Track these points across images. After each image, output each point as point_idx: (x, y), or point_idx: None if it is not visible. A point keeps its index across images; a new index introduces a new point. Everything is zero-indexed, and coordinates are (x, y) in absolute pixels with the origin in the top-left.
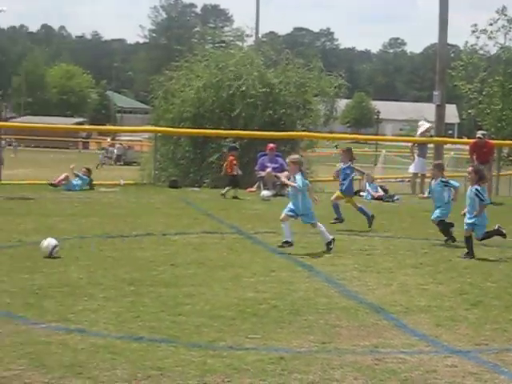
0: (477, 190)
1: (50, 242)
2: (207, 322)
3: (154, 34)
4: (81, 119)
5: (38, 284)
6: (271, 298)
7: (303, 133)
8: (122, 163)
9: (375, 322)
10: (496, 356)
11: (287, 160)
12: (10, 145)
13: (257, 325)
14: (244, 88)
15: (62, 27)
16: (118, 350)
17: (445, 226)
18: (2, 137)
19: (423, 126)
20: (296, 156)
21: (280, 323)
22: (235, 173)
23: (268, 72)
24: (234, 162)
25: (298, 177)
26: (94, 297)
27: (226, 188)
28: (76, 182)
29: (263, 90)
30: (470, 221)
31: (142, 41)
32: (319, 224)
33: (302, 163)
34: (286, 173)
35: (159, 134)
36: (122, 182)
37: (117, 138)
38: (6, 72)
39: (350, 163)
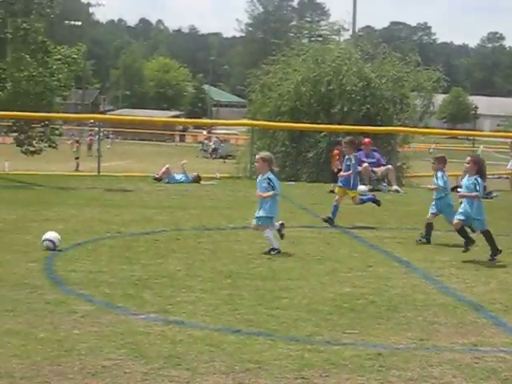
0: (476, 179)
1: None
2: (304, 316)
3: (250, 28)
4: (177, 112)
5: (137, 275)
6: (368, 294)
7: (399, 127)
8: (217, 156)
9: (474, 320)
10: None
11: (256, 157)
12: (107, 137)
13: (354, 320)
14: (344, 83)
15: (160, 21)
16: (216, 342)
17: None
18: (101, 129)
19: None
20: (266, 153)
21: (377, 319)
22: (334, 168)
23: (365, 66)
24: (337, 157)
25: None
26: (191, 289)
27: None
28: (179, 177)
29: (360, 84)
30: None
31: (238, 34)
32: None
33: (273, 161)
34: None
35: (255, 128)
36: (218, 175)
37: (212, 131)
38: (104, 65)
39: (352, 154)
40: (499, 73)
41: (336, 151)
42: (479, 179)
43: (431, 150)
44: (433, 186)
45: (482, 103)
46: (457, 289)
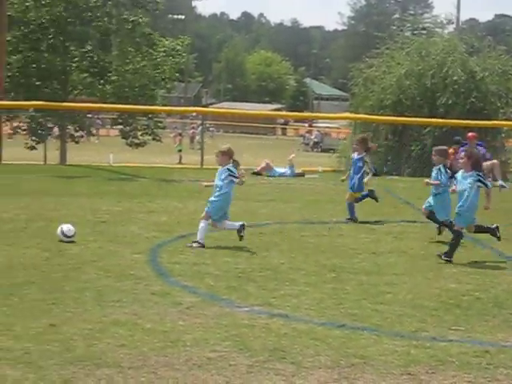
0: (478, 175)
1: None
2: (409, 312)
3: (352, 21)
4: (278, 106)
5: (240, 268)
6: (474, 290)
7: (504, 121)
8: (319, 150)
9: None
10: None
11: (216, 151)
12: (208, 130)
13: (460, 317)
14: (449, 75)
15: (262, 14)
16: (321, 336)
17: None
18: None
19: None
20: (226, 146)
21: (484, 316)
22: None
23: (470, 59)
24: (452, 156)
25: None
26: (295, 282)
27: None
28: (283, 170)
29: (465, 77)
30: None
31: (340, 28)
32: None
33: (233, 154)
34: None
35: (358, 122)
36: (321, 168)
37: (314, 124)
38: (206, 59)
39: (364, 154)
40: None
41: (451, 150)
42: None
43: None
44: (433, 182)
45: None
46: None
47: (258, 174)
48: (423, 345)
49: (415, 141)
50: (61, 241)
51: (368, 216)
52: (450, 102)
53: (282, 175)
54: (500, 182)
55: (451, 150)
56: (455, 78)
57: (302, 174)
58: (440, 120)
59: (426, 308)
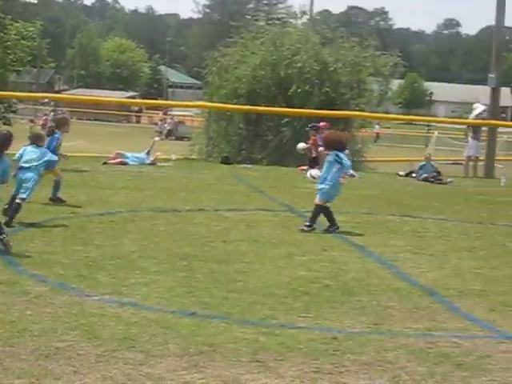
0: (337, 155)
1: None
2: (259, 300)
3: (207, 10)
4: (133, 93)
5: (91, 256)
6: (323, 278)
7: (357, 112)
8: (173, 138)
9: (428, 305)
10: None
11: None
12: None
13: (309, 304)
14: (300, 65)
15: (116, 1)
16: (171, 324)
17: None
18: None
19: (478, 108)
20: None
21: (332, 303)
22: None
23: (323, 50)
24: (314, 142)
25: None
26: (146, 270)
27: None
28: (137, 156)
29: (318, 67)
30: (320, 186)
31: (195, 16)
32: None
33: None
34: None
35: (212, 110)
36: (174, 156)
37: (168, 112)
38: (60, 45)
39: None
40: (455, 59)
41: (314, 137)
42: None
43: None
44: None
45: (438, 89)
46: (411, 274)
47: (107, 164)
48: (272, 332)
49: (271, 131)
50: None
51: (220, 204)
52: (301, 92)
53: (137, 161)
54: (351, 172)
55: (314, 138)
56: (308, 68)
57: (153, 163)
58: (295, 110)
59: (276, 296)
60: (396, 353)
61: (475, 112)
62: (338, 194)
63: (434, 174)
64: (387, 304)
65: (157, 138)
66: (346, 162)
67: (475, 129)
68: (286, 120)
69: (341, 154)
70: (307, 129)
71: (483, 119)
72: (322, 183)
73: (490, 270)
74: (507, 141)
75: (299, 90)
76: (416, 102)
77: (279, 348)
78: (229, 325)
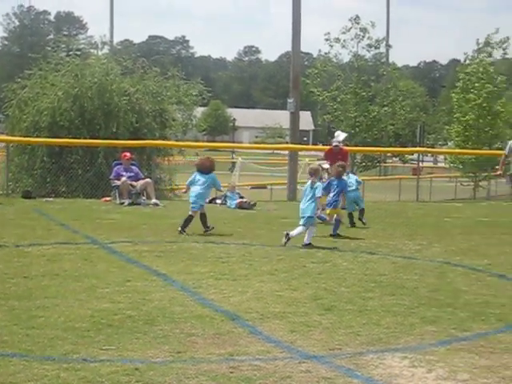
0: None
1: None
2: (61, 335)
3: (6, 42)
4: None
5: None
6: (126, 309)
7: (158, 141)
8: None
9: (230, 330)
10: (349, 360)
11: None
12: None
13: (112, 336)
14: (106, 98)
15: None
16: None
17: None
18: None
19: (340, 135)
20: None
21: (135, 333)
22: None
23: (124, 81)
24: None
25: None
26: None
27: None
28: None
29: (121, 98)
30: None
31: None
32: None
33: None
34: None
35: (11, 144)
36: None
37: None
38: None
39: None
40: (256, 85)
41: None
42: None
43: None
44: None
45: (241, 115)
46: (214, 299)
47: None
48: (74, 367)
49: (76, 163)
50: None
51: (21, 239)
52: (106, 123)
53: None
54: (154, 201)
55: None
56: (112, 100)
57: None
58: (99, 141)
59: (78, 329)
60: (198, 379)
61: (338, 139)
62: None
63: (243, 200)
64: (190, 331)
65: None
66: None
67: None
68: (91, 151)
69: None
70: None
71: (345, 145)
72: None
73: (291, 291)
74: (309, 164)
75: (111, 124)
76: (220, 128)
77: (80, 383)
78: (29, 362)
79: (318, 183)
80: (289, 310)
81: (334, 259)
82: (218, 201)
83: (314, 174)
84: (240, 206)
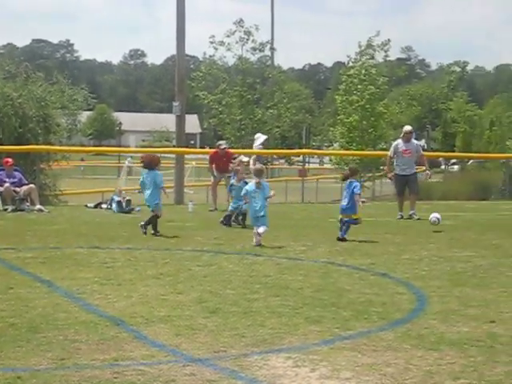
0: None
1: None
2: None
3: None
4: None
5: None
6: (9, 316)
7: (42, 146)
8: None
9: (115, 335)
10: (234, 362)
11: None
12: None
13: None
14: None
15: None
16: None
17: None
18: None
19: (260, 138)
20: None
21: (18, 341)
22: None
23: (7, 85)
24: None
25: None
26: None
27: None
28: None
29: (5, 103)
30: None
31: None
32: None
33: None
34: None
35: None
36: None
37: None
38: None
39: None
40: (142, 89)
41: None
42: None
43: (82, 168)
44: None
45: (127, 119)
46: (99, 305)
47: None
48: None
49: None
50: None
51: None
52: None
53: None
54: (38, 206)
55: None
56: None
57: None
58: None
59: None
60: None
61: (258, 142)
62: None
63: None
64: (74, 337)
65: None
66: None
67: (258, 158)
68: None
69: None
70: None
71: (266, 148)
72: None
73: (177, 295)
74: (196, 167)
75: None
76: (106, 132)
77: None
78: None
79: (265, 183)
80: (174, 314)
81: (220, 262)
82: (104, 205)
83: (258, 174)
84: (120, 207)
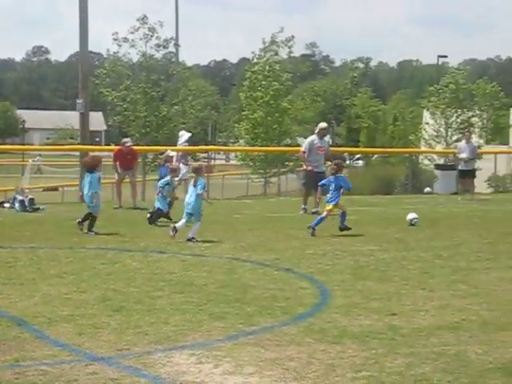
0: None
1: None
2: None
3: None
4: None
5: None
6: None
7: None
8: None
9: (17, 335)
10: (137, 360)
11: None
12: None
13: None
14: None
15: None
16: None
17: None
18: None
19: (184, 135)
20: None
21: None
22: None
23: None
24: None
25: None
26: None
27: None
28: None
29: None
30: None
31: None
32: None
33: None
34: None
35: None
36: None
37: None
38: None
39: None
40: (46, 86)
41: None
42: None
43: None
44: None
45: (31, 117)
46: (0, 305)
47: None
48: None
49: None
50: None
51: None
52: None
53: None
54: None
55: None
56: None
57: None
58: None
59: None
60: None
61: (182, 139)
62: None
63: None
64: None
65: None
66: None
67: (183, 155)
68: None
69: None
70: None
71: (191, 145)
72: None
73: (80, 293)
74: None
75: None
76: (10, 130)
77: None
78: None
79: (201, 180)
80: (77, 313)
81: (124, 260)
82: (7, 204)
83: (197, 171)
84: (23, 206)
